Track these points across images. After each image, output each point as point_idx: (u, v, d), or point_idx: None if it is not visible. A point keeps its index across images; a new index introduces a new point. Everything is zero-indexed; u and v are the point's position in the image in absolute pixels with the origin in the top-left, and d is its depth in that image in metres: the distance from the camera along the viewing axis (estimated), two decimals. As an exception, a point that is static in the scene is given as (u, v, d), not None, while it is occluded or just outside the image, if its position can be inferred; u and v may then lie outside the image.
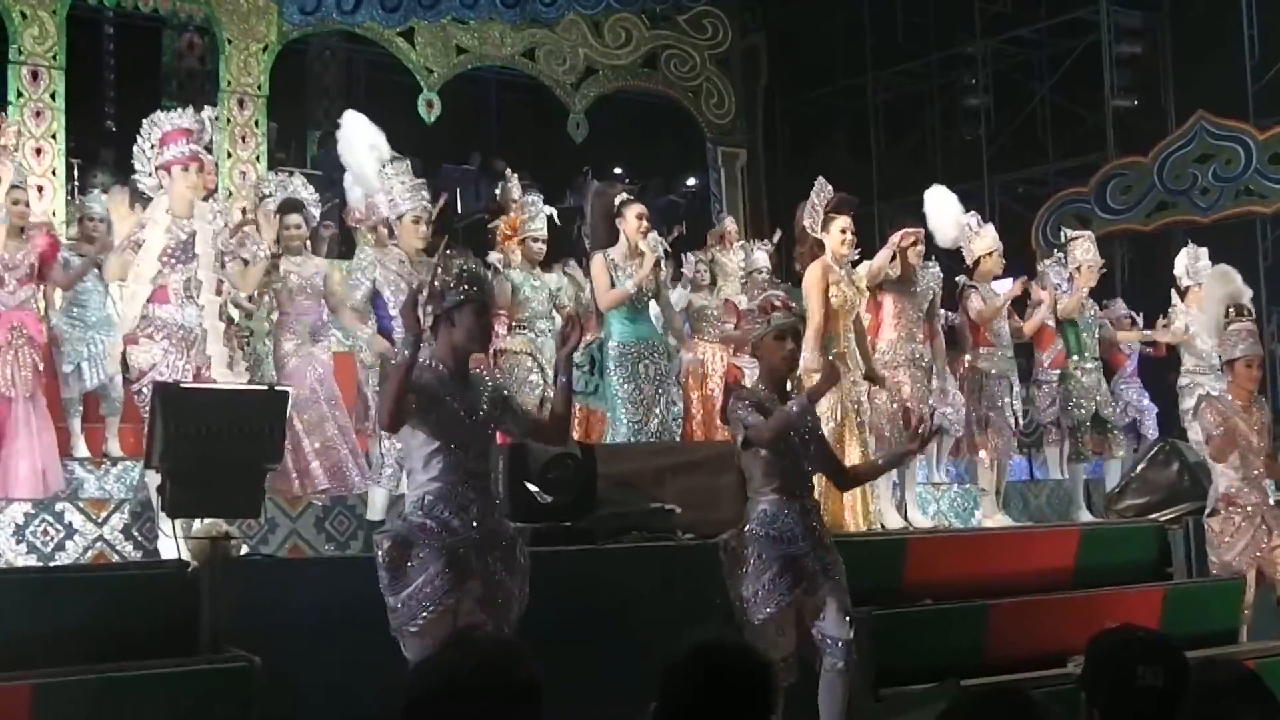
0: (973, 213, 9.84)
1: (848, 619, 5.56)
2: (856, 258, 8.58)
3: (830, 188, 8.33)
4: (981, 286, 9.54)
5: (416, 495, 4.90)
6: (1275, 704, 3.44)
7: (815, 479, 5.99)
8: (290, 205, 8.98)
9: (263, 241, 8.76)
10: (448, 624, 4.64)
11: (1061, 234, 10.74)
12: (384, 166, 8.12)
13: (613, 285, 8.18)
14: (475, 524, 4.87)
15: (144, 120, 7.26)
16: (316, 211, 9.71)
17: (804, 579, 5.48)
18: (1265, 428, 7.94)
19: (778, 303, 5.81)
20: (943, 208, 9.55)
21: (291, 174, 10.22)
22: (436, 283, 5.00)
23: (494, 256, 9.70)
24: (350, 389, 8.72)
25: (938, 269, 9.43)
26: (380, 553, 4.85)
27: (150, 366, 6.99)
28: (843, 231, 8.27)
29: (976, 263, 9.53)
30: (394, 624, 4.77)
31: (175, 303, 7.07)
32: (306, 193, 9.36)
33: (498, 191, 9.99)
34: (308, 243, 9.14)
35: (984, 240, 9.53)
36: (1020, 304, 10.30)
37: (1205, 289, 9.56)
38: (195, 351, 7.06)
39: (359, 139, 8.41)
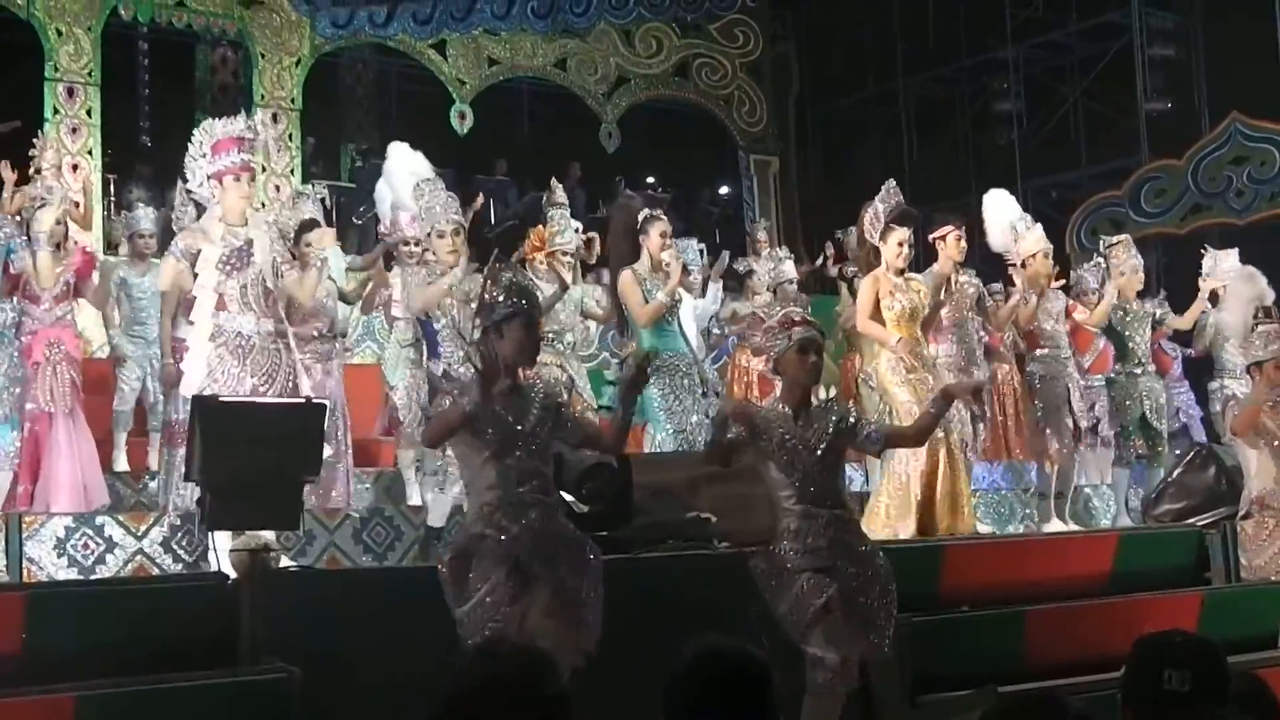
0: (1025, 215, 9.69)
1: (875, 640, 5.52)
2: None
3: (899, 195, 8.14)
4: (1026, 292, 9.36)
5: (476, 505, 4.91)
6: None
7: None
8: (309, 225, 9.00)
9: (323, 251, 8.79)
10: (514, 634, 4.62)
11: (1100, 240, 10.62)
12: (418, 185, 8.21)
13: (645, 300, 8.17)
14: (537, 529, 4.87)
15: (196, 128, 7.19)
16: None
17: (837, 582, 5.42)
18: None
19: (797, 318, 5.78)
20: (1002, 210, 9.45)
21: (304, 192, 10.27)
22: (485, 295, 5.02)
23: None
24: (375, 400, 8.72)
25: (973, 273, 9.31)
26: (441, 566, 4.87)
27: (205, 373, 6.89)
28: (900, 244, 8.06)
29: (1023, 264, 9.39)
30: (462, 636, 4.75)
31: (234, 310, 6.99)
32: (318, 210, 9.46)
33: (544, 199, 9.96)
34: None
35: (1030, 240, 9.38)
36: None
37: (1231, 291, 9.49)
38: (250, 360, 6.95)
39: (400, 167, 8.55)
